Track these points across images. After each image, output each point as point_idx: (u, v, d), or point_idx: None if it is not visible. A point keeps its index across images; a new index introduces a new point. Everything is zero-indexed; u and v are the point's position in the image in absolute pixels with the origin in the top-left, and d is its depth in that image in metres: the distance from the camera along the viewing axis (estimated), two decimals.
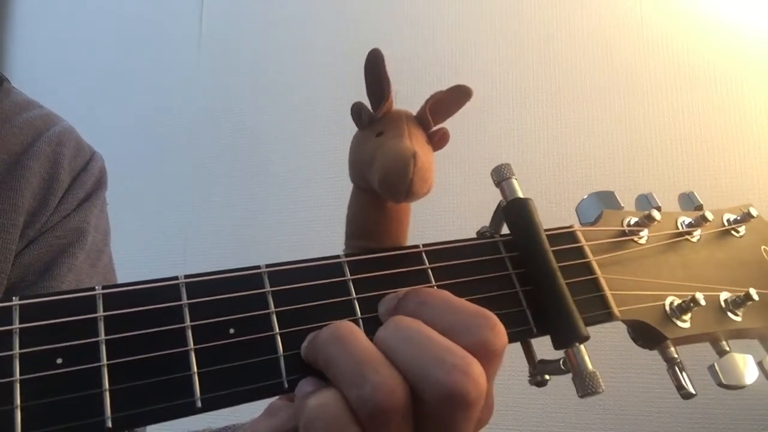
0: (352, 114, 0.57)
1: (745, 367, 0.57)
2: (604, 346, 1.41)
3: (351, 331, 0.46)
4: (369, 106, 0.56)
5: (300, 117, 1.98)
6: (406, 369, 0.43)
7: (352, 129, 0.59)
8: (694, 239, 0.65)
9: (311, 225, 1.86)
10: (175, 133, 2.14)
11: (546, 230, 0.56)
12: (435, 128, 0.57)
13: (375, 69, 0.55)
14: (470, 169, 1.69)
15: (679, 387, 0.56)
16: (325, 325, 0.47)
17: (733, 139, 1.53)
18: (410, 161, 0.51)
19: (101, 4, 2.38)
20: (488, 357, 0.44)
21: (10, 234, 0.82)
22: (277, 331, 0.48)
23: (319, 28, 2.04)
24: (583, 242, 0.59)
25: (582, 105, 1.68)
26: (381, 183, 0.52)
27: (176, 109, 2.16)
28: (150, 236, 2.05)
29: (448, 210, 1.69)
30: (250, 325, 0.47)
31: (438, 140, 0.57)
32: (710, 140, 1.54)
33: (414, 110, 0.58)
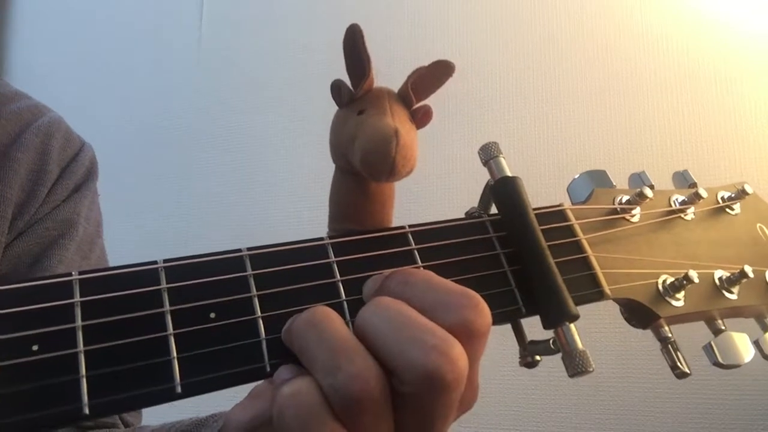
0: (331, 92, 0.56)
1: (742, 345, 0.56)
2: (604, 347, 1.40)
3: (326, 317, 0.45)
4: (349, 84, 0.55)
5: (300, 116, 1.98)
6: (385, 349, 0.42)
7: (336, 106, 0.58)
8: (688, 217, 0.63)
9: (311, 225, 1.86)
10: (174, 132, 2.14)
11: (535, 209, 0.56)
12: (418, 105, 0.56)
13: (354, 45, 0.53)
14: (469, 169, 1.69)
15: (674, 366, 0.55)
16: (309, 308, 0.46)
17: (733, 138, 1.53)
18: (392, 139, 0.50)
19: (101, 4, 2.39)
20: (471, 337, 0.43)
21: None
22: (259, 314, 0.47)
23: (319, 28, 2.04)
24: (573, 221, 0.58)
25: (582, 105, 1.68)
26: (363, 162, 0.51)
27: (176, 109, 2.16)
28: (150, 236, 2.05)
29: (447, 210, 1.68)
30: (231, 309, 0.47)
31: (421, 117, 0.56)
32: (710, 140, 1.54)
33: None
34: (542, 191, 1.58)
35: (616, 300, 0.56)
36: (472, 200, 1.67)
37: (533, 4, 1.79)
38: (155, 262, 0.47)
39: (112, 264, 0.94)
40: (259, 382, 0.51)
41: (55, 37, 2.42)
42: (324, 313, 0.45)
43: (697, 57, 1.61)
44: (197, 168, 2.08)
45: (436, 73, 0.56)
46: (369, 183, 0.55)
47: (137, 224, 2.02)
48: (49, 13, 2.44)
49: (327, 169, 1.86)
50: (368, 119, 0.52)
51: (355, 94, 0.55)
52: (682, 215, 0.63)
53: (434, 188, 1.71)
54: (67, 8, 2.42)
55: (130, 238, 1.98)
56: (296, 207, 1.90)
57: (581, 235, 0.57)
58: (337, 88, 0.55)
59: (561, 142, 1.67)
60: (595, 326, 1.18)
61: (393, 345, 0.42)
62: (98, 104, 2.24)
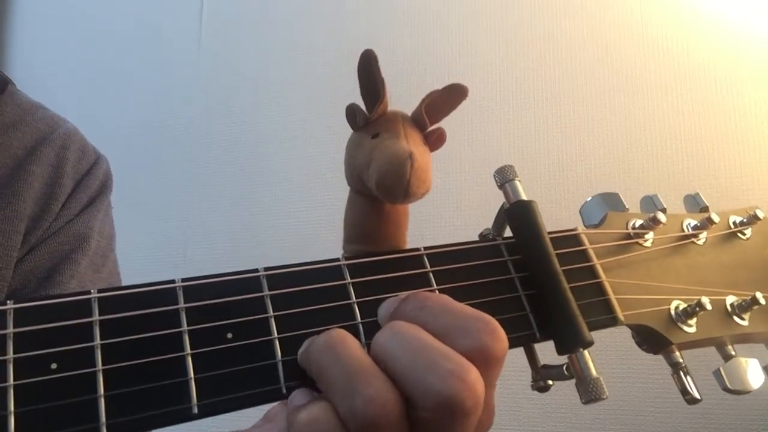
0: (346, 116, 0.56)
1: (751, 371, 0.57)
2: (604, 347, 1.40)
3: (343, 339, 0.45)
4: (363, 108, 0.55)
5: (300, 117, 1.98)
6: (401, 375, 0.42)
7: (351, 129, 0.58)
8: (700, 242, 0.64)
9: (311, 225, 1.86)
10: (175, 133, 2.13)
11: (549, 233, 0.56)
12: (431, 128, 0.56)
13: (368, 70, 0.54)
14: (470, 169, 1.68)
15: (684, 392, 0.55)
16: (325, 329, 0.46)
17: (733, 139, 1.53)
18: (407, 162, 0.51)
19: (101, 4, 2.37)
20: (487, 362, 0.43)
21: (11, 240, 0.80)
22: (276, 335, 0.47)
23: (319, 28, 2.03)
24: (588, 245, 0.58)
25: (582, 105, 1.68)
26: (378, 185, 0.51)
27: (176, 109, 2.15)
28: (150, 236, 2.04)
29: (448, 210, 1.68)
30: (248, 329, 0.47)
31: (435, 140, 0.56)
32: (710, 140, 1.55)
33: (411, 111, 0.57)
34: (542, 191, 1.59)
35: (629, 326, 0.56)
36: (470, 201, 1.66)
37: (533, 4, 1.79)
38: (173, 281, 0.47)
39: (122, 275, 0.95)
40: (274, 404, 0.51)
41: (55, 37, 2.40)
42: (340, 336, 0.45)
43: (697, 57, 1.61)
44: (197, 168, 2.07)
45: (450, 97, 0.56)
46: (384, 205, 0.55)
47: (137, 225, 2.02)
48: (49, 13, 2.43)
49: (327, 169, 1.87)
50: (383, 142, 0.53)
51: (369, 117, 0.55)
52: (694, 240, 0.63)
53: (433, 188, 1.71)
54: (67, 8, 2.41)
55: (130, 239, 1.98)
56: (297, 207, 1.90)
57: (595, 260, 0.57)
58: (351, 111, 0.55)
59: (561, 142, 1.67)
60: (594, 332, 1.19)
61: (410, 371, 0.41)
62: (98, 104, 2.23)
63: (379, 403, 0.40)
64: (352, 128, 0.57)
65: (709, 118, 1.56)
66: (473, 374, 0.41)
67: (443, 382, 0.40)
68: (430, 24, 1.90)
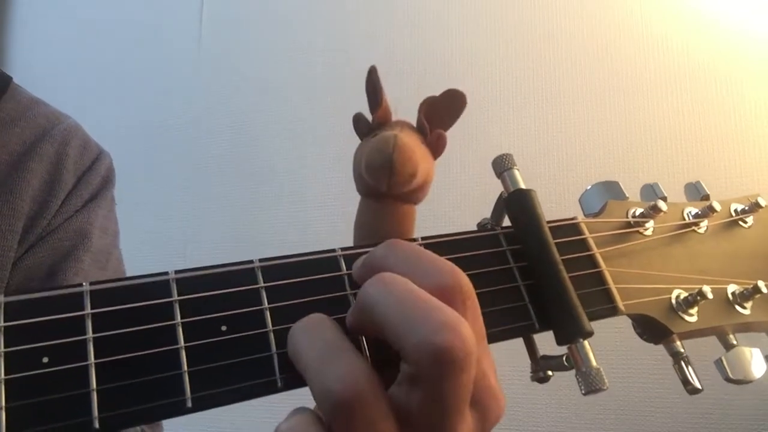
0: (353, 125, 0.58)
1: (754, 361, 0.56)
2: (604, 346, 1.40)
3: (318, 322, 0.44)
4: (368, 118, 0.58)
5: (300, 116, 1.98)
6: (393, 327, 0.40)
7: (352, 129, 0.60)
8: (701, 230, 0.63)
9: (311, 225, 1.86)
10: (175, 133, 2.14)
11: (549, 222, 0.55)
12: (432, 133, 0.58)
13: (370, 81, 0.57)
14: (470, 169, 1.68)
15: (685, 382, 0.55)
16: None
17: (732, 138, 1.53)
18: (390, 140, 0.53)
19: (101, 4, 2.38)
20: (463, 297, 0.43)
21: (8, 240, 0.79)
22: (271, 328, 0.46)
23: (319, 28, 2.04)
24: (587, 234, 0.57)
25: (582, 105, 1.68)
26: (366, 167, 0.52)
27: (176, 109, 2.15)
28: (150, 236, 2.04)
29: (448, 210, 1.68)
30: (242, 321, 0.46)
31: (436, 143, 0.58)
32: (710, 140, 1.55)
33: (414, 115, 0.59)
34: (541, 191, 1.58)
35: (629, 315, 0.55)
36: (470, 201, 1.65)
37: (533, 4, 1.79)
38: (166, 273, 0.46)
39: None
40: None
41: (55, 37, 2.41)
42: (315, 319, 0.44)
43: (697, 57, 1.61)
44: (197, 168, 2.08)
45: (450, 103, 0.57)
46: (388, 203, 0.56)
47: (137, 225, 2.01)
48: (49, 13, 2.44)
49: (327, 169, 1.86)
50: (375, 136, 0.55)
51: (372, 124, 0.58)
52: (695, 228, 0.62)
53: (432, 188, 1.70)
54: (67, 8, 2.42)
55: (130, 239, 1.97)
56: (297, 207, 1.90)
57: (595, 249, 0.56)
58: (356, 120, 0.58)
59: (561, 142, 1.67)
60: (594, 325, 1.19)
61: (402, 322, 0.40)
62: (98, 104, 2.23)
63: (344, 381, 0.39)
64: (358, 136, 0.58)
65: (709, 118, 1.56)
66: (465, 326, 0.40)
67: (434, 335, 0.39)
68: (430, 24, 1.90)
